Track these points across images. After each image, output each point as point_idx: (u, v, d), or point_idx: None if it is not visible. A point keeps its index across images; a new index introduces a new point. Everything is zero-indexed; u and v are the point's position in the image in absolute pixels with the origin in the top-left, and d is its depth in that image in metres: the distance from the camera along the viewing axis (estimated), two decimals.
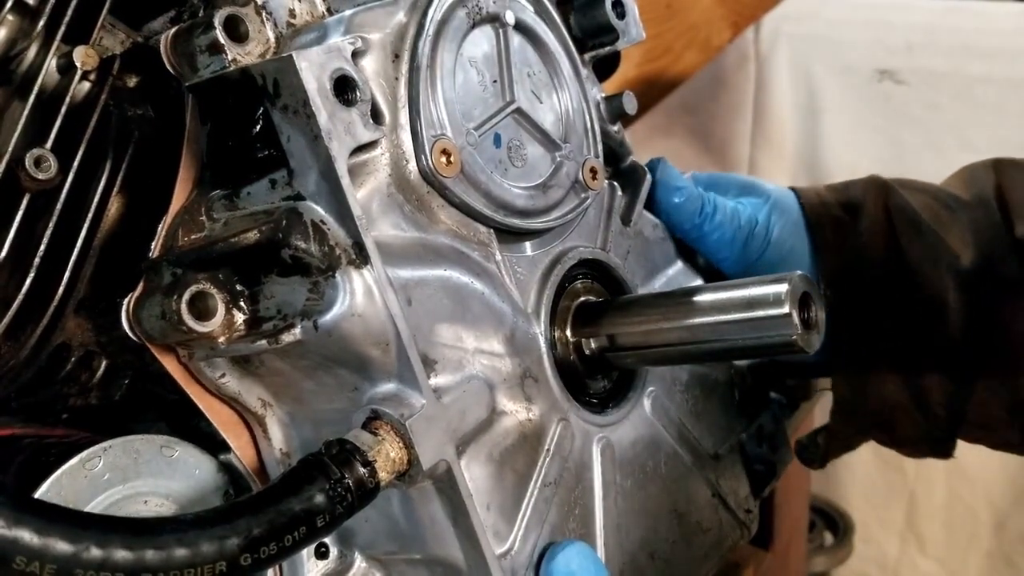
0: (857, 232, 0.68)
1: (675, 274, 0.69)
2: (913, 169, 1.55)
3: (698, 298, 0.55)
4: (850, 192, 0.71)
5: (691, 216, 0.67)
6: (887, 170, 1.74)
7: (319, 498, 0.40)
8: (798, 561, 1.28)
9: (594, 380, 0.59)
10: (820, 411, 0.93)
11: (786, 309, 0.50)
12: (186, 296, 0.44)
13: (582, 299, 0.59)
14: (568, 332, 0.57)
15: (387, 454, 0.43)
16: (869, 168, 1.68)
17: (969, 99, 1.43)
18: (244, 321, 0.46)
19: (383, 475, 0.42)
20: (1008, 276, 0.65)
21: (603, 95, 0.67)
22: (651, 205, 0.68)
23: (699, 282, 0.71)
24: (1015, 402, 0.65)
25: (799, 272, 0.52)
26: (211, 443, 0.50)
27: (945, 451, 0.71)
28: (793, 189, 0.73)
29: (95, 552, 0.33)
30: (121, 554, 0.33)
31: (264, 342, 0.45)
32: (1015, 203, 0.67)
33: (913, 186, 0.71)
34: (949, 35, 1.47)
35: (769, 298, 0.51)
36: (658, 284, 0.67)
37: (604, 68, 0.71)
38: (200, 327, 0.44)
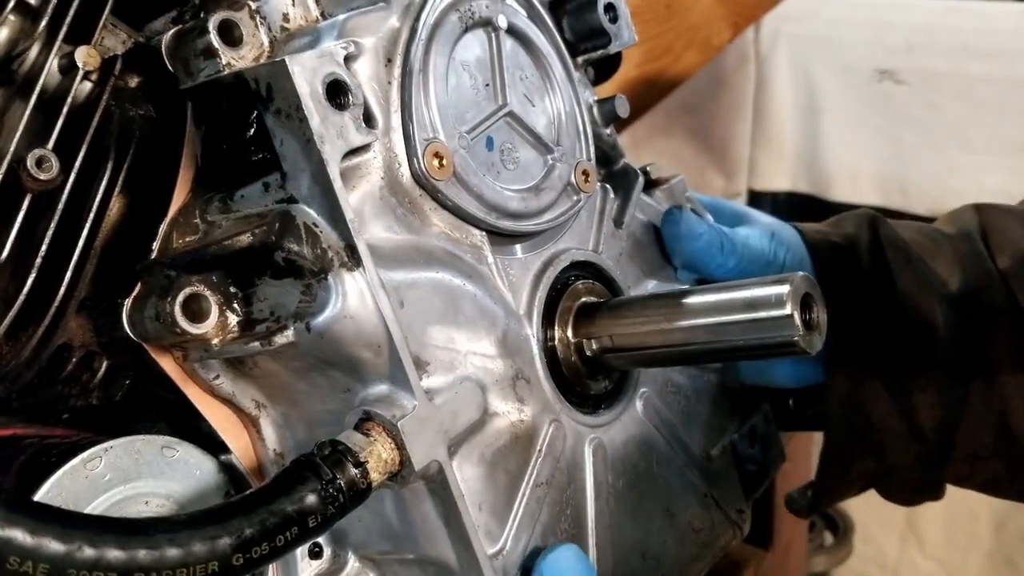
0: (855, 258, 0.69)
1: (667, 276, 0.69)
2: (913, 169, 1.55)
3: (699, 299, 0.55)
4: (844, 223, 0.73)
5: (714, 256, 0.68)
6: (887, 170, 1.73)
7: (311, 499, 0.40)
8: (798, 561, 1.28)
9: (596, 381, 0.59)
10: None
11: (788, 310, 0.50)
12: (180, 298, 0.45)
13: (583, 300, 0.59)
14: (569, 333, 0.58)
15: (379, 455, 0.43)
16: (869, 168, 1.68)
17: (969, 99, 1.43)
18: (237, 323, 0.46)
19: (375, 476, 0.43)
20: (993, 302, 0.67)
21: (595, 98, 0.67)
22: (670, 251, 0.68)
23: (692, 284, 0.71)
24: (1002, 429, 0.66)
25: (801, 273, 0.52)
26: (212, 444, 0.51)
27: (936, 487, 0.71)
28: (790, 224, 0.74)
29: (88, 552, 0.33)
30: (114, 554, 0.34)
31: (257, 344, 0.45)
32: (996, 241, 0.69)
33: (900, 224, 0.73)
34: (949, 35, 1.46)
35: (771, 299, 0.51)
36: (651, 286, 0.67)
37: (605, 68, 0.72)
38: (194, 329, 0.45)
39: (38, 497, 0.44)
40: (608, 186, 0.66)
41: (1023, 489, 0.71)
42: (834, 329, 0.66)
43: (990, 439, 0.67)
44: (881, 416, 0.67)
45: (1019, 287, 0.66)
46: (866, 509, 1.67)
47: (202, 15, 0.49)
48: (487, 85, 0.55)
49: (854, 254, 0.69)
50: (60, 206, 0.50)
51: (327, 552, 0.51)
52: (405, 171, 0.50)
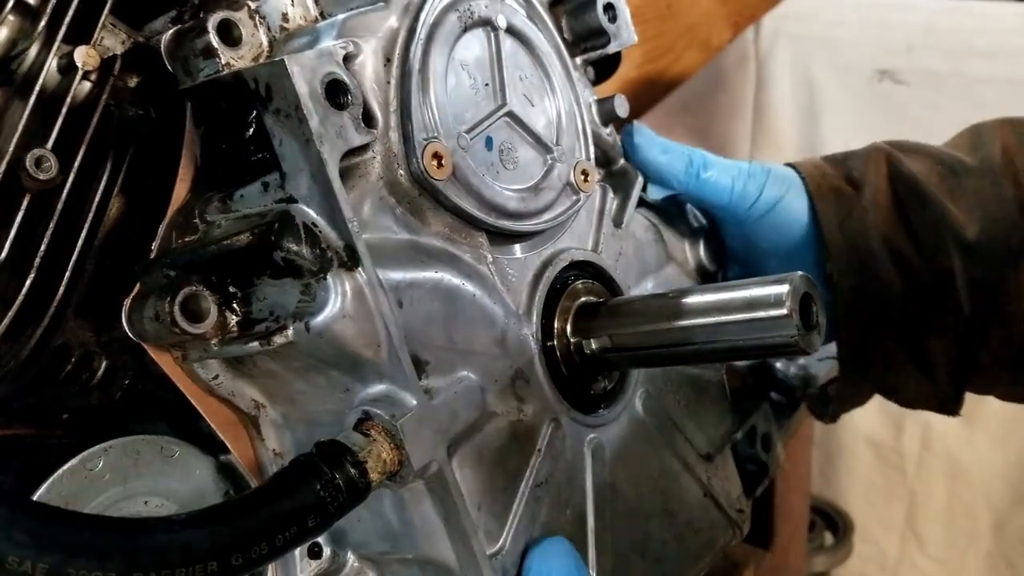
0: (861, 205, 0.67)
1: (667, 276, 0.69)
2: None
3: (698, 299, 0.55)
4: (852, 163, 0.70)
5: (683, 169, 0.67)
6: None
7: (310, 498, 0.40)
8: (798, 561, 1.28)
9: (595, 380, 0.59)
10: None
11: (786, 310, 0.50)
12: (179, 298, 0.45)
13: (583, 300, 0.59)
14: (570, 333, 0.58)
15: (378, 455, 0.43)
16: None
17: (969, 99, 1.43)
18: (237, 323, 0.46)
19: (374, 476, 0.43)
20: (1014, 245, 0.65)
21: (595, 98, 0.67)
22: (640, 168, 0.68)
23: (691, 283, 0.71)
24: (1019, 366, 0.66)
25: (800, 273, 0.52)
26: (211, 444, 0.51)
27: (953, 410, 0.71)
28: (790, 165, 0.72)
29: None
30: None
31: (256, 343, 0.45)
32: (1022, 167, 0.66)
33: (916, 150, 0.70)
34: (949, 35, 1.46)
35: (770, 299, 0.51)
36: (650, 286, 0.67)
37: (605, 68, 0.72)
38: (193, 329, 0.45)
39: (37, 497, 0.44)
40: (607, 186, 0.66)
41: None
42: (845, 278, 0.66)
43: (1006, 374, 0.67)
44: (895, 367, 0.67)
45: None
46: (866, 509, 1.67)
47: (201, 15, 0.49)
48: (486, 85, 0.55)
49: (860, 198, 0.67)
50: (59, 206, 0.49)
51: (326, 552, 0.51)
52: (404, 171, 0.50)
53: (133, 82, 0.54)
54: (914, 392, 0.69)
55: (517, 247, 0.57)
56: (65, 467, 0.45)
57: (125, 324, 0.48)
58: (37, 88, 0.50)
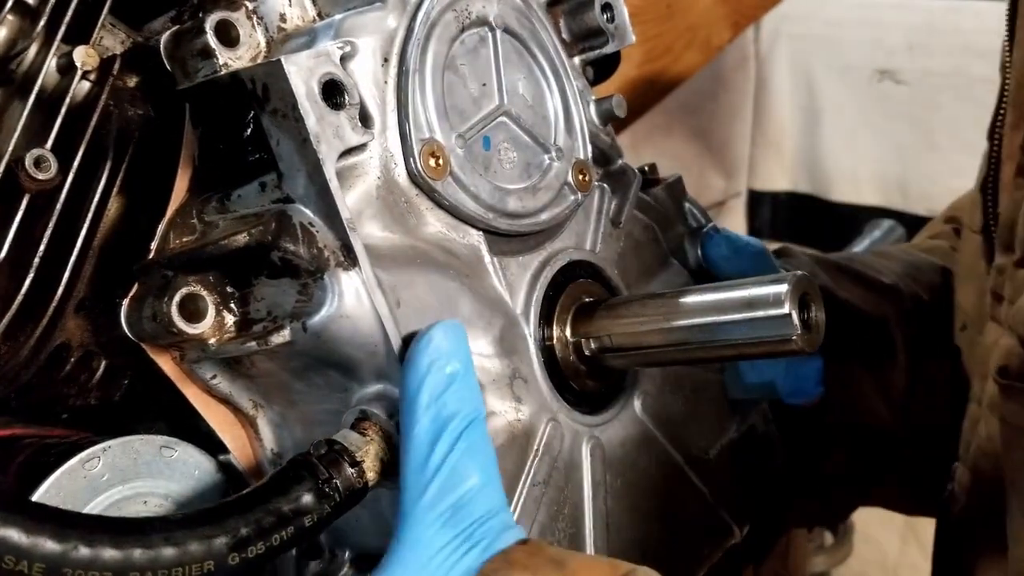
0: None
1: (667, 275, 0.69)
2: (913, 169, 1.55)
3: (697, 298, 0.55)
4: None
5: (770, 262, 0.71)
6: (887, 170, 1.73)
7: (307, 498, 0.40)
8: (798, 561, 1.27)
9: (594, 380, 0.59)
10: None
11: (786, 309, 0.50)
12: (176, 298, 0.45)
13: (581, 299, 0.59)
14: (568, 332, 0.58)
15: (375, 454, 0.43)
16: (869, 168, 1.67)
17: (969, 99, 1.43)
18: (234, 323, 0.47)
19: (371, 475, 0.43)
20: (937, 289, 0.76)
21: (593, 98, 0.67)
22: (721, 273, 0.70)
23: (690, 283, 0.71)
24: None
25: (799, 272, 0.52)
26: (210, 443, 0.51)
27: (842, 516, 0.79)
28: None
29: (83, 551, 0.33)
30: (109, 553, 0.34)
31: (254, 343, 0.45)
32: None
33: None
34: (949, 35, 1.46)
35: (769, 298, 0.51)
36: (650, 285, 0.67)
37: (605, 68, 0.71)
38: (191, 329, 0.45)
39: (36, 497, 0.44)
40: (606, 186, 0.66)
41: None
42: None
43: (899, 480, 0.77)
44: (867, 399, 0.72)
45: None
46: (866, 509, 1.66)
47: (200, 15, 0.49)
48: (484, 85, 0.55)
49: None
50: (58, 206, 0.50)
51: (325, 551, 0.51)
52: (401, 171, 0.50)
53: (132, 82, 0.54)
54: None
55: (515, 247, 0.57)
56: (64, 467, 0.45)
57: (124, 324, 0.48)
58: (36, 88, 0.50)
